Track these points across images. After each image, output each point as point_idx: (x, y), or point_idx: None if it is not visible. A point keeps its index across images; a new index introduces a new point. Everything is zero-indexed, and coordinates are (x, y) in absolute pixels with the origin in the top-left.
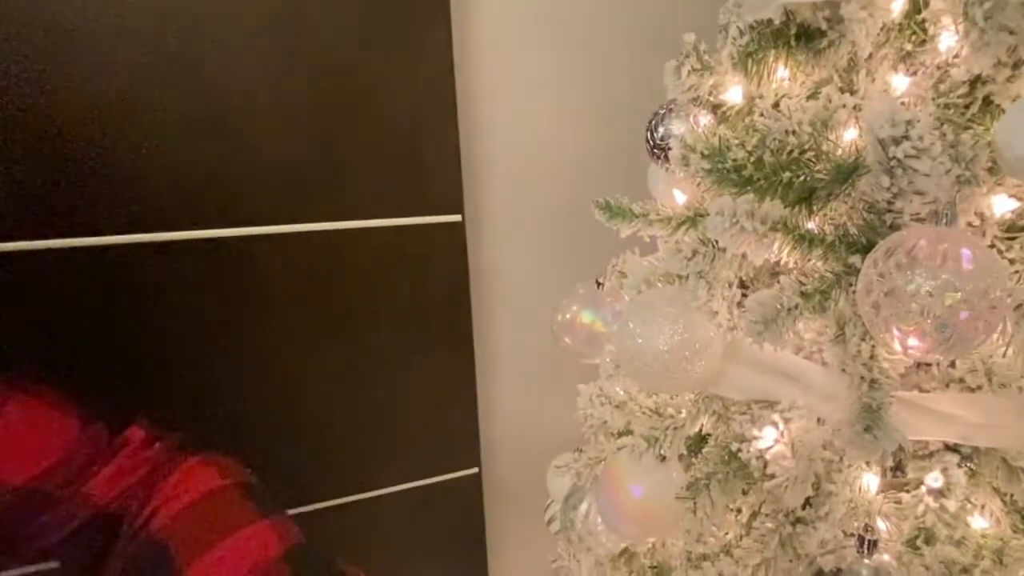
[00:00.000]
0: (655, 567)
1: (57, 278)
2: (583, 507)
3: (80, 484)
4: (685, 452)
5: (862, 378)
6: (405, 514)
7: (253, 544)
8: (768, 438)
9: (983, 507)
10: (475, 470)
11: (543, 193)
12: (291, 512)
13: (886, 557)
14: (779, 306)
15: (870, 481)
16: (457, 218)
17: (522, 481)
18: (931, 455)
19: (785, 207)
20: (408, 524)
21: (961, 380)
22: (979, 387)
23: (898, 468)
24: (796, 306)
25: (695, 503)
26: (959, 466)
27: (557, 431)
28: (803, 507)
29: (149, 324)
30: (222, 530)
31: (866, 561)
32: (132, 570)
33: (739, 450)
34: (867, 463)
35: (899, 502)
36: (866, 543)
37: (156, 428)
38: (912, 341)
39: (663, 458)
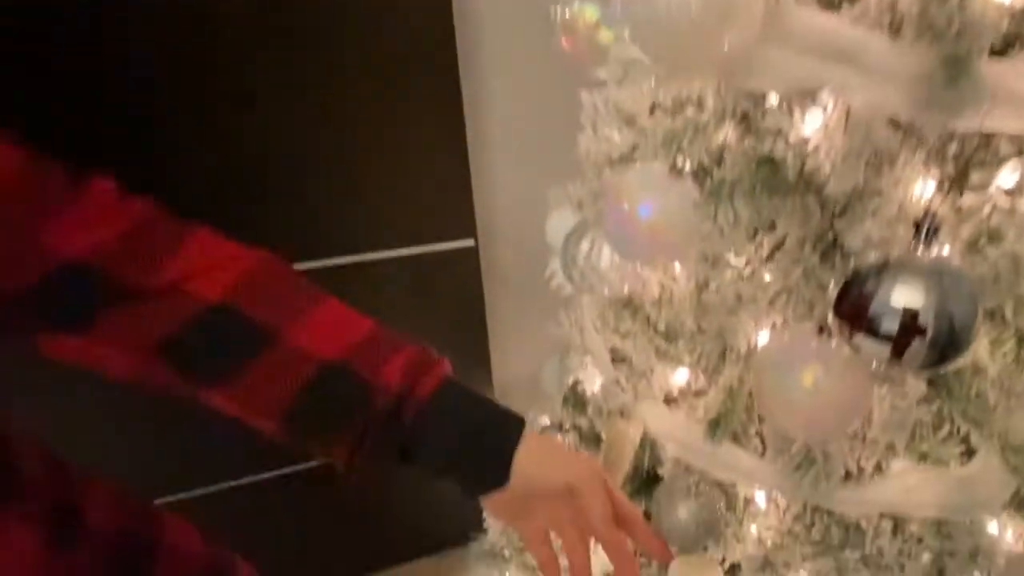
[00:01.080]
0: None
1: None
2: (585, 244)
3: (30, 229)
4: (706, 162)
5: (948, 23)
6: (401, 284)
7: (346, 315)
8: (812, 123)
9: None
10: (470, 242)
11: None
12: None
13: (946, 250)
14: None
15: (927, 188)
16: None
17: (521, 258)
18: (1000, 161)
19: None
20: (405, 295)
21: None
22: None
23: (960, 176)
24: None
25: (715, 212)
26: None
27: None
28: (841, 214)
29: (119, 72)
30: (304, 299)
31: (921, 252)
32: (195, 337)
33: (771, 150)
34: (924, 166)
35: (959, 207)
36: (925, 230)
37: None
38: None
39: (679, 172)
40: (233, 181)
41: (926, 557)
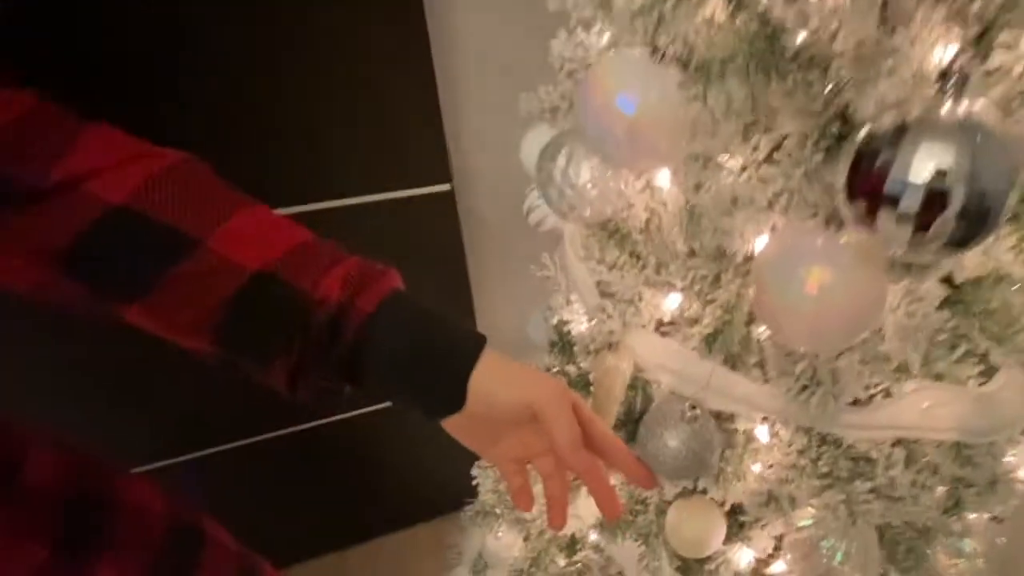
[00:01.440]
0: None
1: None
2: (561, 159)
3: None
4: (692, 40)
5: None
6: (377, 231)
7: (279, 222)
8: None
9: None
10: (447, 187)
11: None
12: None
13: (979, 105)
14: None
15: (947, 51)
16: None
17: (500, 202)
18: None
19: None
20: (382, 243)
21: None
22: None
23: (985, 36)
24: None
25: (704, 95)
26: None
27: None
28: (843, 89)
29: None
30: (229, 204)
31: (949, 106)
32: (97, 244)
33: (767, 9)
34: (944, 26)
35: (987, 70)
36: (954, 80)
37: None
38: None
39: (661, 56)
40: (207, 129)
41: (941, 489)
